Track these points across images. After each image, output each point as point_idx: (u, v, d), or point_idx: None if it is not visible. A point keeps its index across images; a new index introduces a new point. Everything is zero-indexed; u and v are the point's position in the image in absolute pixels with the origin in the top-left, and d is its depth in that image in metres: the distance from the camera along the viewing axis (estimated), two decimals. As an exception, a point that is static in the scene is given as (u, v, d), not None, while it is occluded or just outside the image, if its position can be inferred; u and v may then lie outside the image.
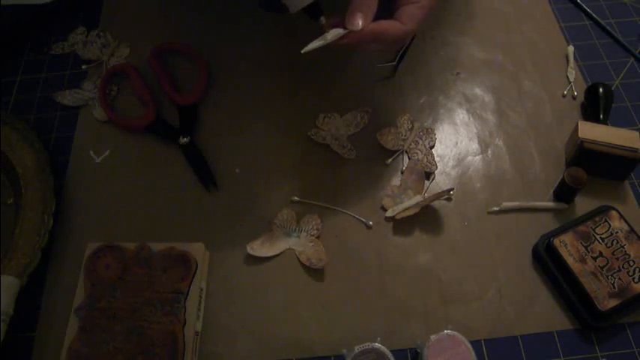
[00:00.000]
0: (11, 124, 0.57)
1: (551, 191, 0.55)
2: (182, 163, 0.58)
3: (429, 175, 0.56)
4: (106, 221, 0.55)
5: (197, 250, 0.50)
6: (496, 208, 0.54)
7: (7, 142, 0.56)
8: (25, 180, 0.54)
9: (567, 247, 0.49)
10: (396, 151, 0.57)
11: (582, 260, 0.49)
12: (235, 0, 0.69)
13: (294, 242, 0.53)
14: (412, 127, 0.58)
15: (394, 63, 0.62)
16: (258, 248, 0.52)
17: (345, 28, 0.45)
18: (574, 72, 0.62)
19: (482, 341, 0.48)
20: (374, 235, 0.53)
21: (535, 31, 0.66)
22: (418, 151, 0.57)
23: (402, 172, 0.56)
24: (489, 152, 0.58)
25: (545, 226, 0.53)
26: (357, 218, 0.54)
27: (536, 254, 0.51)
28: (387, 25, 0.47)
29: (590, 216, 0.51)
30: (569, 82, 0.62)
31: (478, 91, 0.62)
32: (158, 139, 0.59)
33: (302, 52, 0.45)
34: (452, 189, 0.54)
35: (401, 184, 0.55)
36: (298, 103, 0.61)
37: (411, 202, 0.53)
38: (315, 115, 0.60)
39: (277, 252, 0.52)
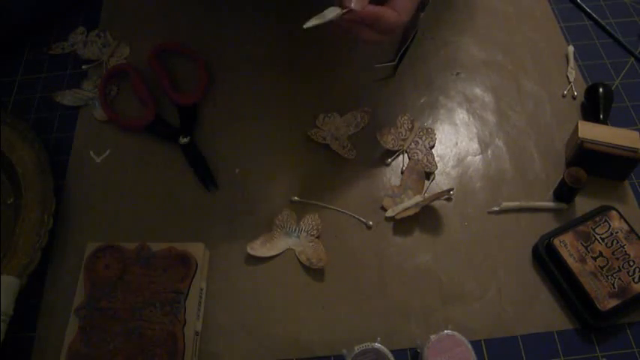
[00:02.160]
0: (11, 124, 0.57)
1: (551, 191, 0.55)
2: (182, 163, 0.58)
3: (429, 175, 0.56)
4: (106, 221, 0.55)
5: (197, 250, 0.50)
6: (496, 208, 0.54)
7: (7, 142, 0.56)
8: (25, 180, 0.54)
9: (567, 247, 0.49)
10: (396, 151, 0.57)
11: (582, 260, 0.49)
12: (235, 0, 0.69)
13: (294, 242, 0.53)
14: (412, 127, 0.58)
15: (394, 63, 0.62)
16: (258, 248, 0.52)
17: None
18: (574, 72, 0.62)
19: (482, 341, 0.48)
20: (374, 235, 0.53)
21: (535, 31, 0.66)
22: (418, 151, 0.57)
23: (402, 172, 0.56)
24: (489, 152, 0.58)
25: (545, 226, 0.53)
26: (357, 218, 0.54)
27: (536, 254, 0.51)
28: (384, 11, 0.46)
29: (590, 216, 0.51)
30: (569, 82, 0.62)
31: (478, 91, 0.62)
32: (158, 139, 0.59)
33: (304, 26, 0.44)
34: (452, 189, 0.54)
35: (401, 184, 0.55)
36: (298, 103, 0.61)
37: (411, 202, 0.53)
38: (315, 115, 0.60)
39: (277, 252, 0.52)
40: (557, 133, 0.58)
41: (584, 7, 0.68)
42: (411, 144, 0.57)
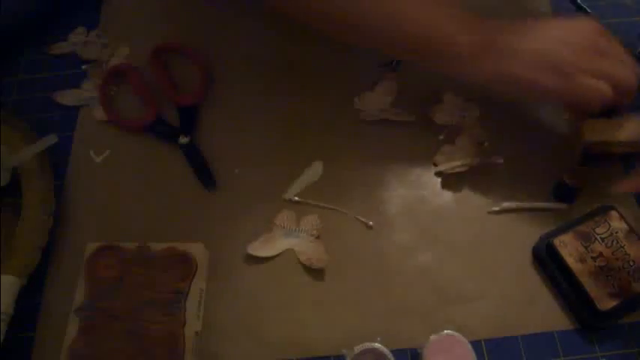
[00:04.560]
0: (11, 124, 0.57)
1: (551, 191, 0.55)
2: (182, 163, 0.58)
3: (481, 144, 0.57)
4: (106, 221, 0.55)
5: (197, 250, 0.50)
6: (496, 208, 0.54)
7: (7, 142, 0.56)
8: (25, 180, 0.54)
9: (567, 247, 0.49)
10: (446, 126, 0.58)
11: (582, 260, 0.49)
12: (236, 0, 0.69)
13: (294, 242, 0.53)
14: (456, 103, 0.59)
15: (393, 66, 0.62)
16: (258, 248, 0.52)
17: None
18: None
19: (483, 341, 0.48)
20: (374, 235, 0.53)
21: (535, 31, 0.66)
22: (467, 124, 0.58)
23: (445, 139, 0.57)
24: (489, 152, 0.58)
25: (545, 226, 0.53)
26: (357, 218, 0.54)
27: (536, 254, 0.51)
28: None
29: (590, 216, 0.51)
30: None
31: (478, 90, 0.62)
32: (158, 139, 0.59)
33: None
34: (501, 159, 0.55)
35: (456, 144, 0.56)
36: (298, 103, 0.61)
37: (463, 160, 0.55)
38: (316, 114, 0.60)
39: (277, 252, 0.52)
40: (557, 133, 0.58)
41: (584, 7, 0.68)
42: (458, 118, 0.58)
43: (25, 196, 0.53)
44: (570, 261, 0.49)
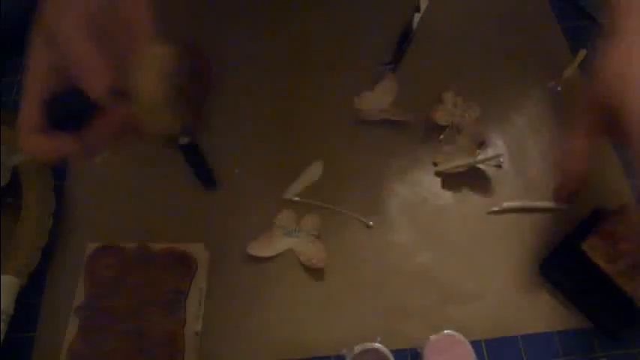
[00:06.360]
0: (11, 124, 0.57)
1: (552, 191, 0.55)
2: (182, 163, 0.58)
3: (481, 144, 0.56)
4: (106, 221, 0.55)
5: (197, 250, 0.50)
6: (496, 208, 0.54)
7: (7, 142, 0.56)
8: (25, 180, 0.54)
9: (598, 250, 0.47)
10: (445, 127, 0.57)
11: (612, 261, 0.47)
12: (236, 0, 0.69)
13: (294, 242, 0.53)
14: (457, 103, 0.59)
15: (392, 66, 0.62)
16: (258, 248, 0.52)
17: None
18: (571, 71, 0.62)
19: (482, 341, 0.48)
20: (374, 235, 0.53)
21: (535, 31, 0.66)
22: (467, 124, 0.57)
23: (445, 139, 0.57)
24: (489, 152, 0.58)
25: (546, 226, 0.52)
26: (357, 218, 0.54)
27: (547, 266, 0.50)
28: None
29: (591, 220, 0.50)
30: (562, 78, 0.61)
31: (478, 91, 0.62)
32: (158, 139, 0.59)
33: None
34: (501, 154, 0.54)
35: (456, 144, 0.56)
36: (298, 103, 0.61)
37: (462, 161, 0.55)
38: (316, 114, 0.60)
39: (277, 252, 0.52)
40: (557, 133, 0.58)
41: (585, 7, 0.68)
42: (458, 118, 0.58)
43: (25, 196, 0.53)
44: (602, 264, 0.47)
